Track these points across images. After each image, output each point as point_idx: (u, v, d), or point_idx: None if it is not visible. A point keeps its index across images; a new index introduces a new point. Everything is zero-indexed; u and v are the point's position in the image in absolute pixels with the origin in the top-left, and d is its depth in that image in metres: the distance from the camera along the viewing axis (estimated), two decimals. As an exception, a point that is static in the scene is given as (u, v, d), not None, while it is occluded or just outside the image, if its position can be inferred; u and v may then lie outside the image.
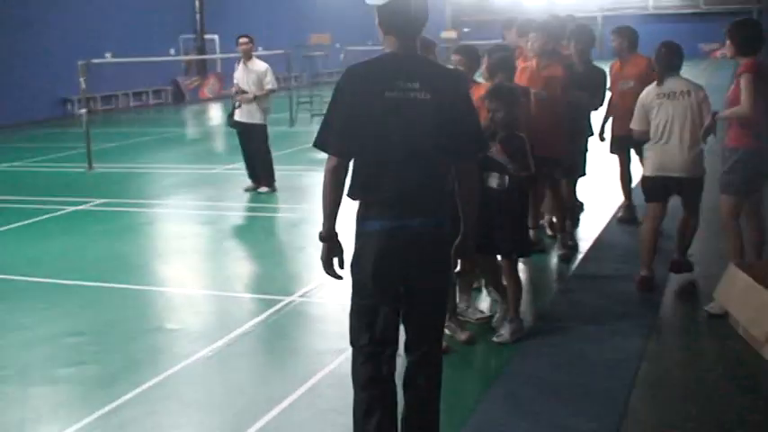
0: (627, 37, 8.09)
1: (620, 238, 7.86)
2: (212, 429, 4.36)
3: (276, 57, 19.08)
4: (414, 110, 3.36)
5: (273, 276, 7.31)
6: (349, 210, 3.53)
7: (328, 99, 3.55)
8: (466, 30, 40.26)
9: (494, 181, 5.14)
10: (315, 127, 4.14)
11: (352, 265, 3.51)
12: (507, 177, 5.14)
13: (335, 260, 3.55)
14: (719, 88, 11.49)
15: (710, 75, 28.00)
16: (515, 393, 4.55)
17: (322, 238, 3.54)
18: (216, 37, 30.76)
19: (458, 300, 5.53)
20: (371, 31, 3.84)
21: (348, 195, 3.47)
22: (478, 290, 6.14)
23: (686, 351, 5.32)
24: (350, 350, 3.61)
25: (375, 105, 3.35)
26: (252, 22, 28.38)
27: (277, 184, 10.91)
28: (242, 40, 10.87)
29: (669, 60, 6.12)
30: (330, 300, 6.36)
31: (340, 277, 3.57)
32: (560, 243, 7.35)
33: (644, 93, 6.21)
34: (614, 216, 8.54)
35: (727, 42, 5.86)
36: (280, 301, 6.30)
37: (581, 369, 4.87)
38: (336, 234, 3.53)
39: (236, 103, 10.80)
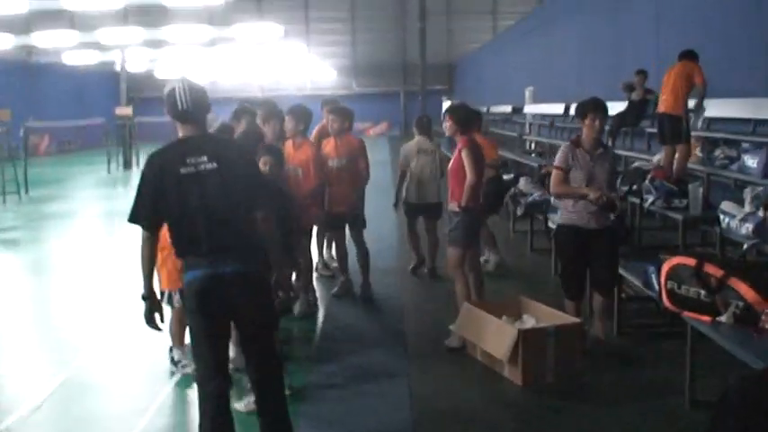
0: (348, 117, 8.54)
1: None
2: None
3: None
4: (205, 179, 4.14)
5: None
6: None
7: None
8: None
9: None
10: None
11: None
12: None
13: (156, 315, 4.30)
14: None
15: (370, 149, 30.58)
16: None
17: (144, 297, 4.29)
18: None
19: None
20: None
21: (176, 256, 4.37)
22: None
23: (443, 378, 6.32)
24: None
25: (173, 182, 4.13)
26: None
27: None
28: None
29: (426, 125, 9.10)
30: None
31: (160, 329, 4.36)
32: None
33: (407, 146, 8.99)
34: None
35: (447, 123, 7.11)
36: (54, 373, 6.38)
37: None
38: (155, 292, 4.31)
39: None
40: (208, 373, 4.21)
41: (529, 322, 6.35)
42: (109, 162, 26.65)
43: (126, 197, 20.43)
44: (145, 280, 4.22)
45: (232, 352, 5.47)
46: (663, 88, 9.47)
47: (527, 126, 23.07)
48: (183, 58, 40.33)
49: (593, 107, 6.25)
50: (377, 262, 9.03)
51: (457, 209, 6.92)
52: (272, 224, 4.44)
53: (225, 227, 4.15)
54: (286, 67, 46.47)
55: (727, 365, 5.43)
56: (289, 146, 7.66)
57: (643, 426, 5.21)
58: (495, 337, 6.10)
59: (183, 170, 4.12)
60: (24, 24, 37.60)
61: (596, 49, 18.28)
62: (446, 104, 43.35)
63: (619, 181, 8.91)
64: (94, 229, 15.47)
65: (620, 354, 6.47)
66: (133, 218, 4.20)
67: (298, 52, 40.02)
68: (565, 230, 6.49)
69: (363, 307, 8.26)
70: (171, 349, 6.40)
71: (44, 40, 30.81)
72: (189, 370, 6.08)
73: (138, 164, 28.05)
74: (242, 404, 5.37)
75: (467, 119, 7.14)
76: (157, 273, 6.24)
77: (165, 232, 5.67)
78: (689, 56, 9.45)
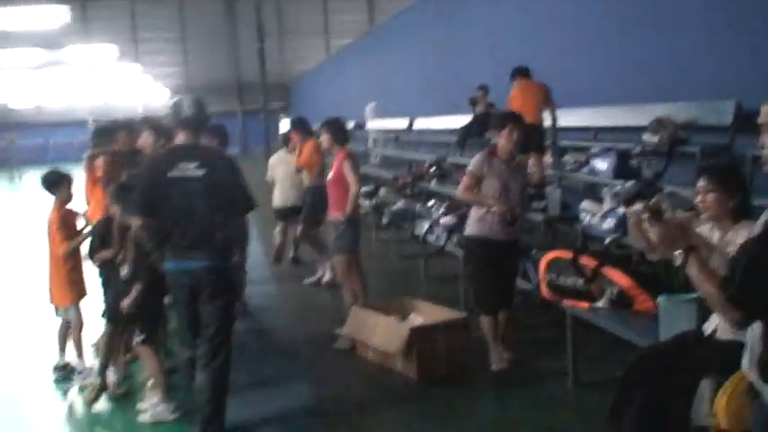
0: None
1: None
2: None
3: None
4: (190, 183, 4.83)
5: None
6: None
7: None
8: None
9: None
10: None
11: None
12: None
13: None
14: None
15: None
16: None
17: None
18: None
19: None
20: None
21: (153, 246, 5.11)
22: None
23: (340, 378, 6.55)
24: None
25: (161, 182, 4.86)
26: None
27: None
28: None
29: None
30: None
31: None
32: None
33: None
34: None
35: (324, 135, 7.41)
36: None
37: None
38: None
39: None
40: (184, 338, 5.15)
41: (416, 320, 6.70)
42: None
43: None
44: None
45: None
46: (513, 102, 9.98)
47: (370, 141, 23.59)
48: (8, 82, 38.67)
49: (512, 119, 6.16)
50: (252, 274, 9.19)
51: (341, 218, 7.20)
52: (244, 229, 5.29)
53: (199, 227, 4.82)
54: (118, 88, 45.30)
55: (603, 348, 6.02)
56: None
57: (536, 408, 5.64)
58: (388, 334, 6.41)
59: (171, 173, 4.82)
60: None
61: (436, 65, 19.03)
62: (284, 122, 43.75)
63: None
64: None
65: (503, 345, 6.66)
66: (135, 210, 5.10)
67: (130, 73, 39.09)
68: (474, 242, 6.20)
69: (247, 322, 8.28)
70: (62, 371, 6.42)
71: None
72: (88, 381, 6.10)
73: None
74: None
75: (343, 132, 7.47)
76: (50, 290, 6.24)
77: (56, 248, 5.78)
78: (527, 73, 10.12)
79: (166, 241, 4.90)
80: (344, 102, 29.86)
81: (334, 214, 7.30)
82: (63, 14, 19.82)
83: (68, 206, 6.44)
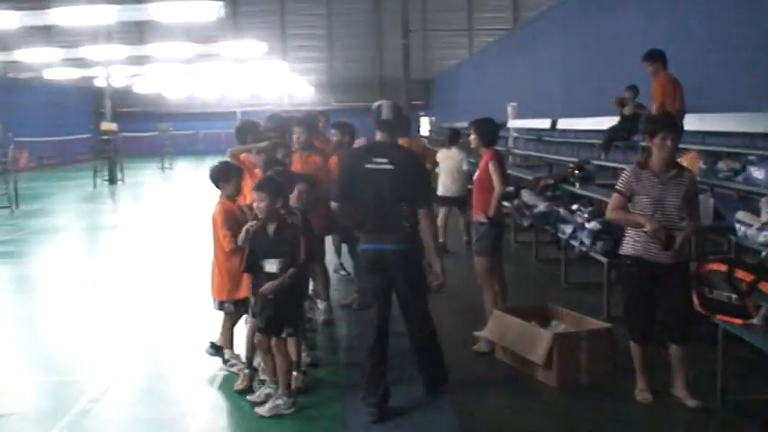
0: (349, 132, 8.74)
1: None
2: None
3: None
4: (381, 175, 5.60)
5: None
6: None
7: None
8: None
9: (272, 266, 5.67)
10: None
11: None
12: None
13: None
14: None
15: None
16: None
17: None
18: None
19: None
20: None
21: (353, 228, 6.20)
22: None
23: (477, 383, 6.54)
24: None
25: (359, 172, 5.67)
26: None
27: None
28: None
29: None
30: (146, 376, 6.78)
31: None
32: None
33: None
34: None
35: (472, 136, 7.39)
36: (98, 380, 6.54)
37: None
38: None
39: None
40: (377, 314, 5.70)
41: (558, 327, 6.61)
42: (95, 177, 26.61)
43: (115, 212, 20.64)
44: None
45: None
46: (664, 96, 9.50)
47: (510, 140, 23.39)
48: (163, 73, 40.40)
49: (664, 125, 5.66)
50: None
51: (484, 219, 7.17)
52: (430, 219, 5.73)
53: (388, 214, 5.57)
54: (264, 83, 46.67)
55: (755, 366, 5.76)
56: (296, 158, 7.48)
57: (677, 425, 5.46)
58: (529, 340, 6.34)
59: (367, 166, 5.63)
60: (10, 40, 37.54)
61: (581, 65, 18.65)
62: (424, 120, 43.90)
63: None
64: (90, 242, 15.55)
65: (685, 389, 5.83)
66: (333, 195, 5.84)
67: (277, 69, 40.20)
68: (629, 262, 5.72)
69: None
70: (215, 351, 6.67)
71: (28, 56, 30.69)
72: (235, 369, 6.34)
73: (122, 179, 28.02)
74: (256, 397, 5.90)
75: (489, 133, 7.41)
76: (211, 281, 6.46)
77: (220, 243, 5.93)
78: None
79: (362, 224, 5.72)
80: (485, 100, 29.71)
81: (477, 215, 7.29)
82: (216, 10, 20.45)
83: (234, 200, 6.42)
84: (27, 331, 8.58)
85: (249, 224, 5.87)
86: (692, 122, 9.66)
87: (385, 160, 5.61)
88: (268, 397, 5.79)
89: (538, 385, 6.17)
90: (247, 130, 7.45)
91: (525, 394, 6.08)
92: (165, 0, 21.13)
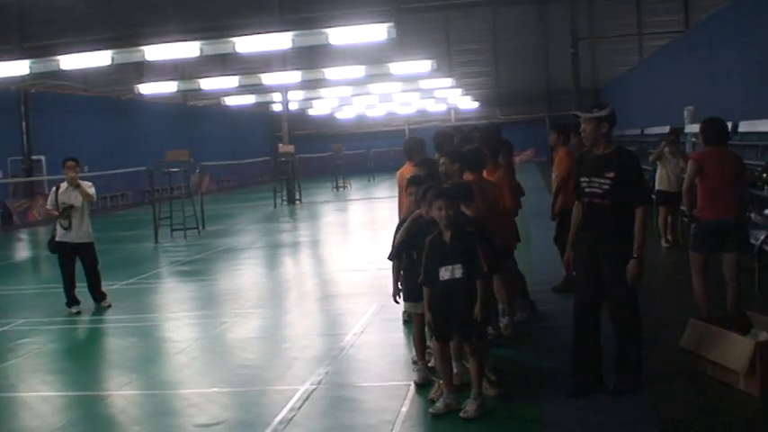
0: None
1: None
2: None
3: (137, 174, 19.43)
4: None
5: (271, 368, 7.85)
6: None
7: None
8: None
9: (449, 273, 5.82)
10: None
11: None
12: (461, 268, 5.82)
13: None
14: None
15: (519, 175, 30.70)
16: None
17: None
18: (43, 158, 30.38)
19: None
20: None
21: None
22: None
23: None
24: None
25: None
26: (78, 143, 28.87)
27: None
28: (69, 163, 10.93)
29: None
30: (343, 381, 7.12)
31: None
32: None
33: None
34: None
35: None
36: (296, 389, 6.89)
37: None
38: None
39: (64, 223, 10.77)
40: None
41: (761, 335, 6.37)
42: (275, 197, 27.76)
43: (294, 230, 21.46)
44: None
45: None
46: None
47: (688, 146, 22.58)
48: (335, 96, 41.63)
49: None
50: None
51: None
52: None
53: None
54: (431, 99, 47.21)
55: None
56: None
57: None
58: (730, 349, 6.16)
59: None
60: (191, 69, 39.99)
61: (762, 64, 17.80)
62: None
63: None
64: (279, 258, 16.25)
65: None
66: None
67: (443, 85, 40.57)
68: None
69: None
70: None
71: (208, 84, 32.53)
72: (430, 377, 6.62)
73: (300, 199, 29.10)
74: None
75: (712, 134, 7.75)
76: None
77: None
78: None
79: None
80: (659, 106, 28.84)
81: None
82: (387, 31, 20.90)
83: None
84: (223, 345, 9.05)
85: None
86: None
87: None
88: (449, 407, 5.96)
89: (740, 395, 5.98)
90: (413, 147, 7.74)
91: (725, 406, 5.91)
92: (339, 26, 21.85)
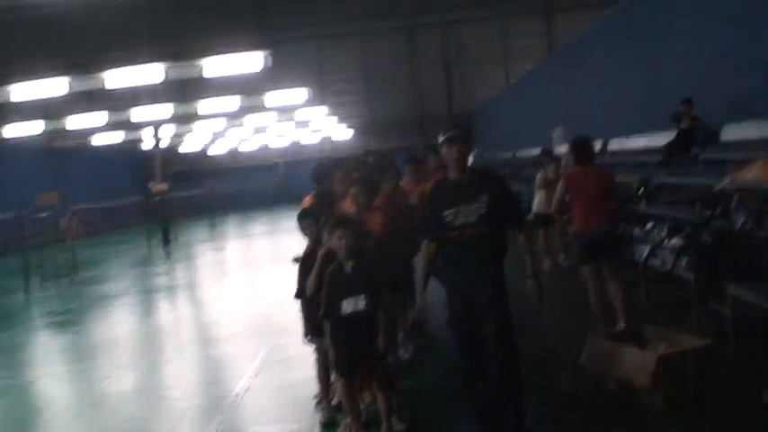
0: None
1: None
2: None
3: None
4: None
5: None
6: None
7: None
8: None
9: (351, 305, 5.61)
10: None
11: None
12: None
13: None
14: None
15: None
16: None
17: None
18: None
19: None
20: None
21: None
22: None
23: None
24: None
25: None
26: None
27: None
28: None
29: None
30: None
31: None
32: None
33: None
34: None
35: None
36: None
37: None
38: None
39: None
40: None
41: (660, 347, 6.39)
42: (148, 239, 26.79)
43: (171, 273, 20.65)
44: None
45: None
46: None
47: (562, 165, 23.17)
48: (208, 129, 40.79)
49: None
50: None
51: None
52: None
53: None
54: (305, 131, 47.00)
55: None
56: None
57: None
58: (632, 365, 6.16)
59: None
60: (58, 108, 38.37)
61: (626, 83, 18.48)
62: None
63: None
64: (158, 303, 15.60)
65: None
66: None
67: (318, 115, 40.43)
68: None
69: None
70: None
71: (75, 122, 31.27)
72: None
73: (176, 238, 28.19)
74: None
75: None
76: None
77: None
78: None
79: None
80: (529, 128, 29.59)
81: None
82: (263, 60, 20.53)
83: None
84: (107, 401, 8.52)
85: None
86: None
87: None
88: None
89: (642, 408, 5.99)
90: (321, 173, 7.50)
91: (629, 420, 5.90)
92: (208, 56, 21.37)
